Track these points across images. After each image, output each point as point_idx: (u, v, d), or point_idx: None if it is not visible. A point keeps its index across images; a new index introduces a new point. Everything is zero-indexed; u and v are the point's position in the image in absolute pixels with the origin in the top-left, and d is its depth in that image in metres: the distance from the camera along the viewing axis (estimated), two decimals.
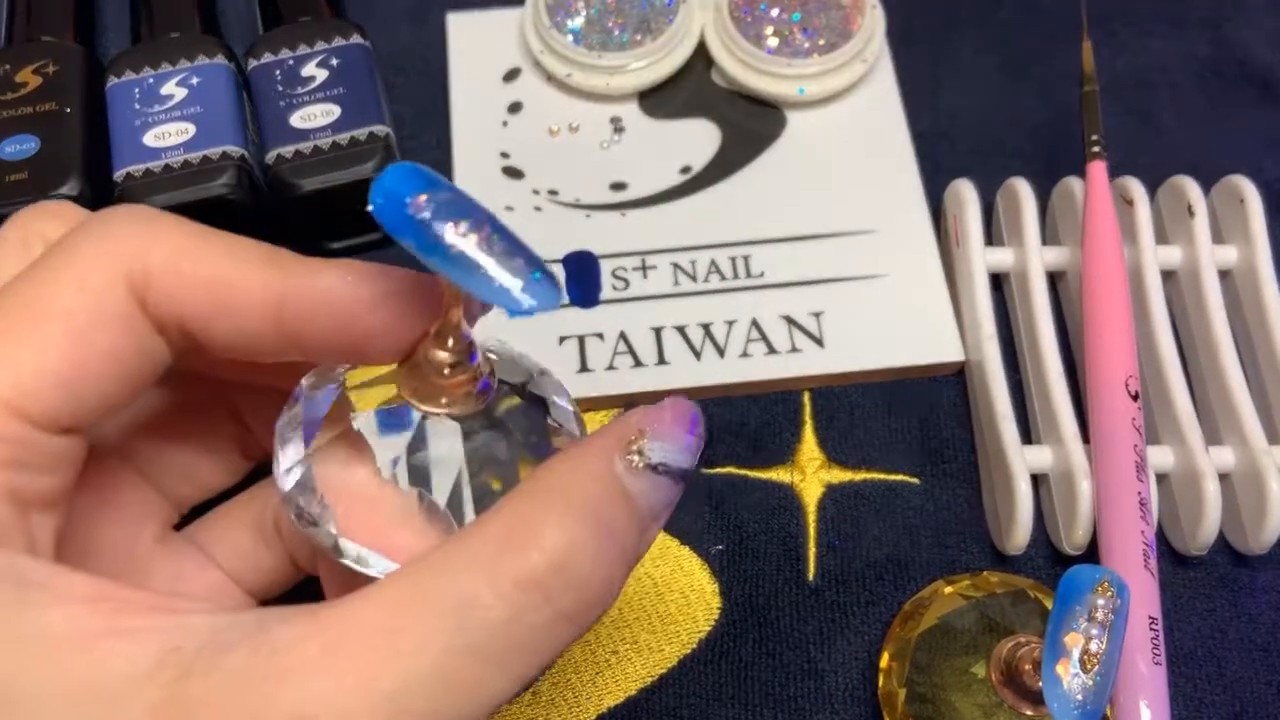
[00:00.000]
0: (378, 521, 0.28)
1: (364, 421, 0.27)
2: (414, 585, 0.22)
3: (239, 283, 0.24)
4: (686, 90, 0.50)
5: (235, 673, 0.21)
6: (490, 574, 0.22)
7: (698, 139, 0.49)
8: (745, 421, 0.43)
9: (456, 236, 0.22)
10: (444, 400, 0.26)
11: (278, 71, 0.45)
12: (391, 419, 0.28)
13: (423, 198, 0.23)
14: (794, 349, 0.44)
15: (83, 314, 0.23)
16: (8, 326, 0.23)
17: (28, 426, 0.23)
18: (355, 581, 0.25)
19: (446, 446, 0.28)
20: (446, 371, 0.25)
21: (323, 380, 0.27)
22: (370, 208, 0.22)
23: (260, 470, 0.32)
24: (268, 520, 0.31)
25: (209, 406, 0.31)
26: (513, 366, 0.29)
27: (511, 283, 0.23)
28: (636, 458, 0.25)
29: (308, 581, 0.32)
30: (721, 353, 0.44)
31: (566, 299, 0.23)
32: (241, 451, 0.32)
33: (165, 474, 0.31)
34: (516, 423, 0.28)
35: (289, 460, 0.26)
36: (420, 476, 0.27)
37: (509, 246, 0.23)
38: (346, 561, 0.26)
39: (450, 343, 0.25)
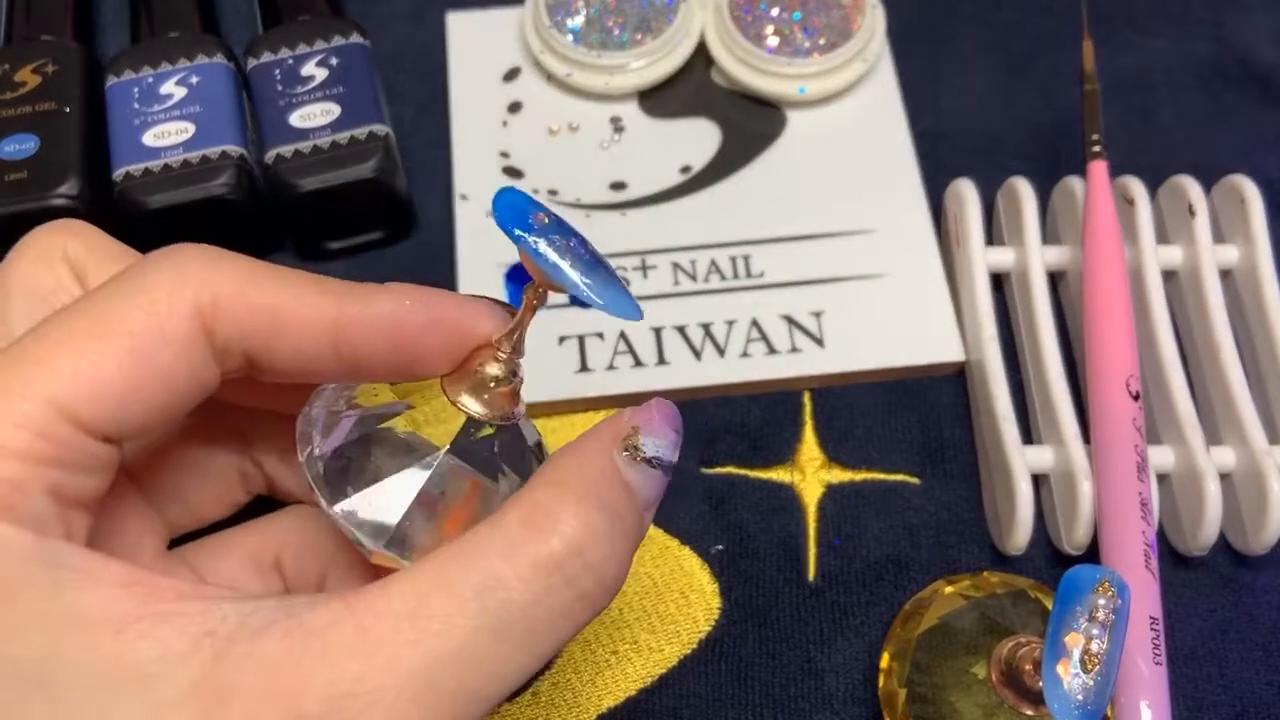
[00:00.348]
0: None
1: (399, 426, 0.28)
2: (440, 571, 0.24)
3: (300, 310, 0.26)
4: (686, 90, 0.50)
5: (270, 655, 0.22)
6: (513, 558, 0.24)
7: (698, 139, 0.49)
8: (745, 421, 0.43)
9: (573, 250, 0.26)
10: (489, 409, 0.28)
11: (277, 71, 0.45)
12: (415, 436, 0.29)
13: (542, 214, 0.26)
14: (794, 349, 0.44)
15: (147, 335, 0.24)
16: (74, 337, 0.24)
17: (77, 431, 0.24)
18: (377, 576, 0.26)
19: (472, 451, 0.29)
20: (493, 384, 0.28)
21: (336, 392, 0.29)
22: (493, 210, 0.25)
23: (256, 507, 0.33)
24: (266, 553, 0.32)
25: (219, 436, 0.32)
26: None
27: (616, 298, 0.26)
28: (633, 451, 0.27)
29: None
30: (721, 352, 0.44)
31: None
32: (243, 485, 0.33)
33: (166, 497, 0.31)
34: (509, 439, 0.30)
35: (330, 443, 0.28)
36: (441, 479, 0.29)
37: (606, 263, 0.26)
38: (382, 550, 0.27)
39: (509, 351, 0.28)
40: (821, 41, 0.49)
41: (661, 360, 0.43)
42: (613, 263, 0.46)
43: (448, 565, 0.24)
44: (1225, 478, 0.40)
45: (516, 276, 0.45)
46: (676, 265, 0.46)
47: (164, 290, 0.25)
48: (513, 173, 0.48)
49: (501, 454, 0.29)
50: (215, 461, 0.32)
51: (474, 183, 0.48)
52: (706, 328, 0.44)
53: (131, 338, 0.24)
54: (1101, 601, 0.30)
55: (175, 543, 0.31)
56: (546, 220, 0.26)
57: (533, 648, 0.24)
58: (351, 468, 0.28)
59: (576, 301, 0.42)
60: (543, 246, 0.25)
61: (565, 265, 0.25)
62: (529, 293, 0.27)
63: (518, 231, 0.25)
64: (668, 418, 0.28)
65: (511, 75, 0.51)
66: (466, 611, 0.23)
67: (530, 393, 0.42)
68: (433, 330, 0.27)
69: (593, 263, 0.26)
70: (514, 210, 0.25)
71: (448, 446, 0.28)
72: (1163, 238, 0.45)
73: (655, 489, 0.28)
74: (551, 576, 0.24)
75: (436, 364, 0.27)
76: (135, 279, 0.25)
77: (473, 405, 0.28)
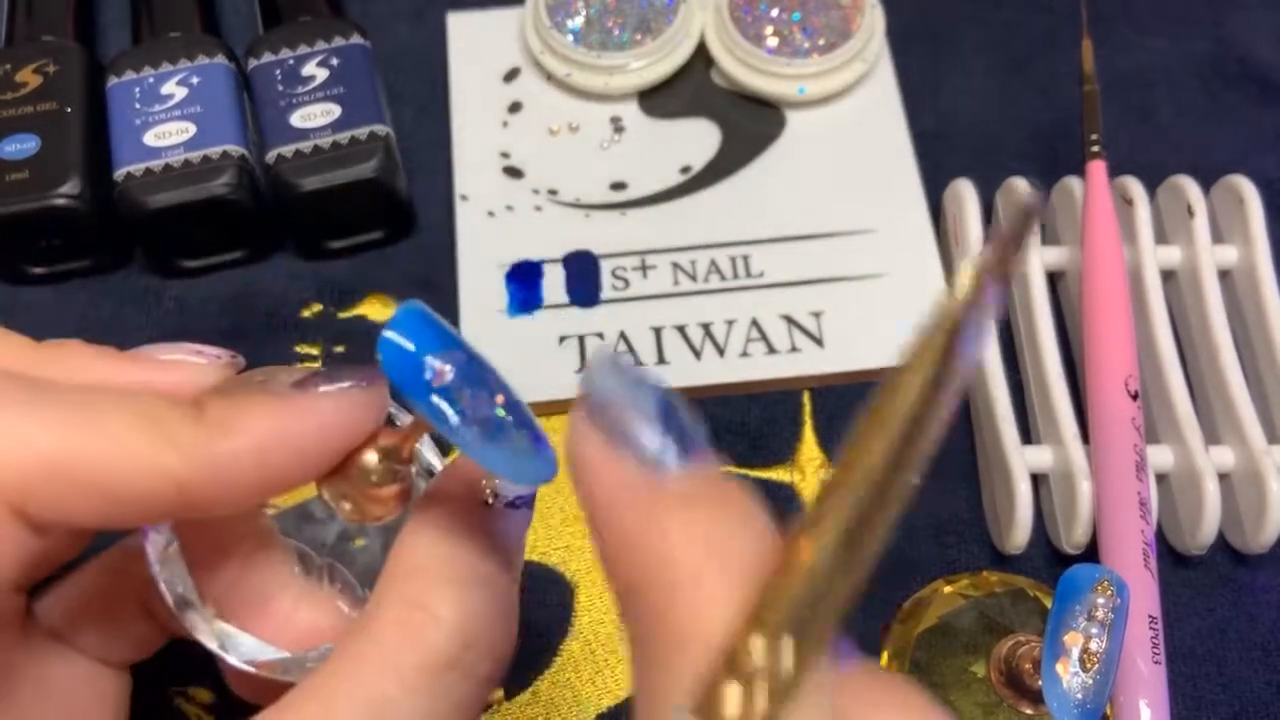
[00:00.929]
0: (270, 603, 0.26)
1: (271, 516, 0.27)
2: (321, 701, 0.21)
3: (132, 479, 0.21)
4: (686, 90, 0.50)
5: None
6: (398, 671, 0.21)
7: (698, 139, 0.49)
8: (745, 421, 0.43)
9: (477, 410, 0.21)
10: (369, 509, 0.24)
11: (278, 71, 0.45)
12: (297, 510, 0.27)
13: (445, 367, 0.21)
14: (794, 349, 0.44)
15: None
16: None
17: None
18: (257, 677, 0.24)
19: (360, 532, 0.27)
20: (375, 480, 0.24)
21: None
22: (380, 361, 0.21)
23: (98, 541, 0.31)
24: (128, 593, 0.29)
25: (126, 586, 0.29)
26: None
27: (523, 463, 0.22)
28: (494, 499, 0.24)
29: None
30: (721, 352, 0.44)
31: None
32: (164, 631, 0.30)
33: (82, 638, 0.29)
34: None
35: (159, 545, 0.25)
36: (337, 555, 0.27)
37: (520, 415, 0.22)
38: (212, 647, 0.25)
39: (391, 459, 0.24)
40: (821, 42, 0.49)
41: (661, 360, 0.44)
42: (613, 263, 0.46)
43: (329, 695, 0.21)
44: (1224, 477, 0.40)
45: (517, 276, 0.45)
46: (676, 265, 0.46)
47: None
48: (513, 173, 0.48)
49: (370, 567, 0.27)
50: (126, 611, 0.29)
51: (474, 183, 0.48)
52: (706, 327, 0.44)
53: None
54: (1101, 601, 0.30)
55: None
56: (448, 375, 0.21)
57: None
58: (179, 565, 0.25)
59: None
60: (440, 408, 0.21)
61: (461, 432, 0.21)
62: (417, 418, 0.23)
63: (414, 399, 0.21)
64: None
65: (512, 75, 0.51)
66: None
67: (530, 393, 0.43)
68: (307, 452, 0.23)
69: (497, 425, 0.21)
70: (405, 369, 0.21)
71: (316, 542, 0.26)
72: (1162, 238, 0.45)
73: (522, 528, 0.24)
74: (446, 676, 0.21)
75: (305, 481, 0.24)
76: None
77: (348, 507, 0.24)
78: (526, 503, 0.24)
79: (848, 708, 0.18)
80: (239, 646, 0.26)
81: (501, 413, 0.21)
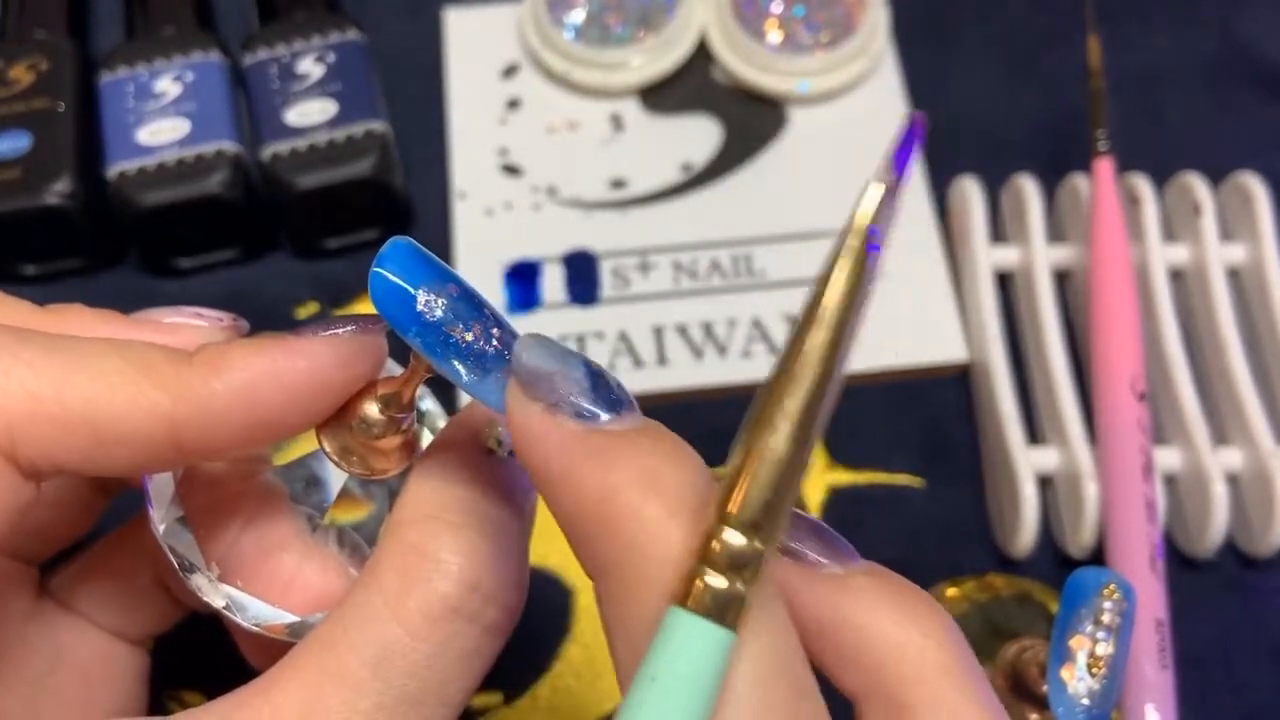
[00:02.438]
0: (274, 564, 0.26)
1: (276, 473, 0.27)
2: (327, 652, 0.21)
3: (124, 417, 0.21)
4: (687, 86, 0.50)
5: None
6: (402, 616, 0.21)
7: (698, 136, 0.48)
8: None
9: (470, 343, 0.22)
10: (372, 462, 0.24)
11: (273, 67, 0.45)
12: (302, 469, 0.27)
13: (435, 299, 0.22)
14: None
15: None
16: None
17: None
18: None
19: (365, 490, 0.27)
20: (377, 432, 0.24)
21: None
22: (371, 298, 0.21)
23: (113, 514, 0.31)
24: (141, 566, 0.30)
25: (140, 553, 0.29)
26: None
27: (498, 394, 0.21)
28: (497, 448, 0.24)
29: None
30: (723, 352, 0.43)
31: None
32: (100, 488, 0.30)
33: (20, 538, 0.28)
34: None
35: (162, 506, 0.25)
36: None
37: (508, 341, 0.22)
38: (219, 606, 0.25)
39: (392, 408, 0.24)
40: (824, 38, 0.48)
41: (662, 360, 0.43)
42: (613, 262, 0.45)
43: (333, 645, 0.21)
44: (1232, 479, 0.40)
45: (516, 275, 0.45)
46: (677, 264, 0.45)
47: None
48: (511, 170, 0.47)
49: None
50: (61, 484, 0.29)
51: (472, 180, 0.47)
52: (708, 327, 0.44)
53: None
54: (1107, 605, 0.29)
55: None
56: (439, 308, 0.22)
57: (450, 698, 0.22)
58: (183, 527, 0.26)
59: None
60: (433, 340, 0.21)
61: (455, 365, 0.21)
62: (415, 360, 0.23)
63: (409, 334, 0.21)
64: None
65: (510, 72, 0.50)
66: (366, 692, 0.21)
67: None
68: (299, 392, 0.23)
69: (492, 358, 0.22)
70: (395, 302, 0.21)
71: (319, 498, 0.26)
72: (1169, 236, 0.45)
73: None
74: (452, 622, 0.21)
75: (302, 426, 0.24)
76: None
77: (350, 461, 0.24)
78: None
79: (844, 605, 0.22)
80: (246, 609, 0.26)
81: (495, 345, 0.21)
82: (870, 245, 0.20)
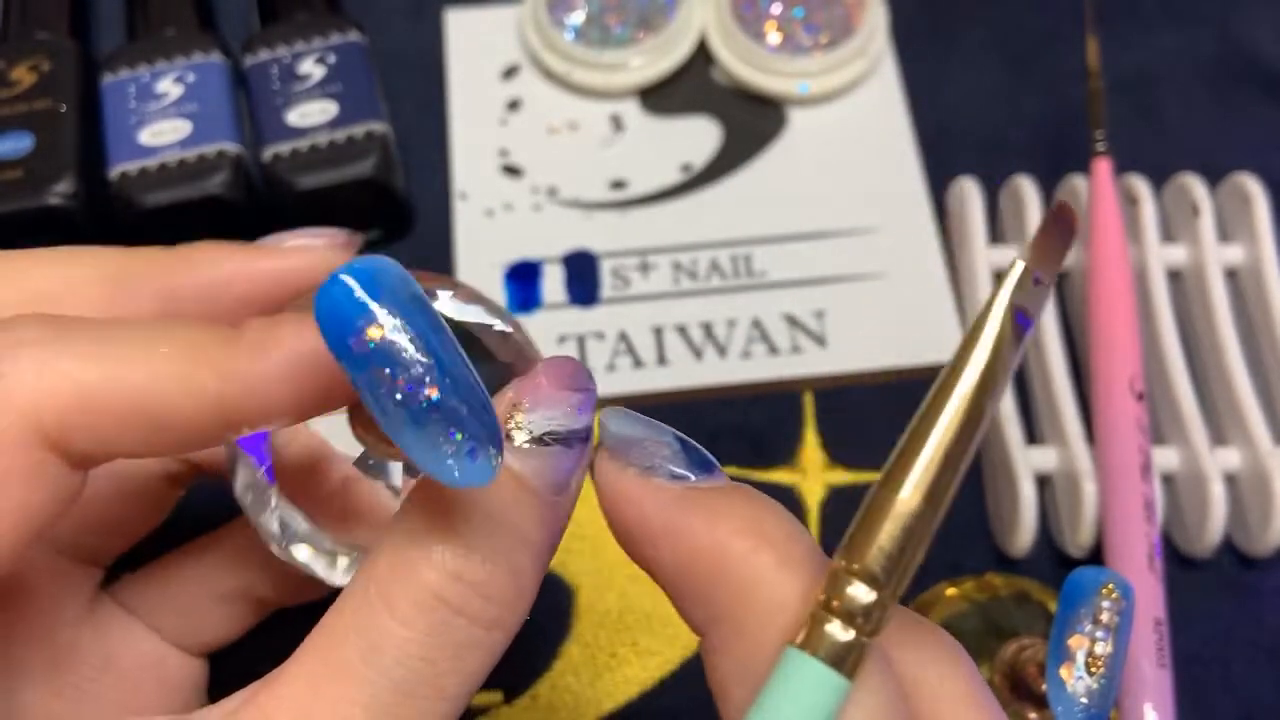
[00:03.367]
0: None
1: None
2: (327, 644, 0.21)
3: (170, 403, 0.22)
4: (687, 87, 0.50)
5: None
6: (391, 605, 0.21)
7: (698, 137, 0.48)
8: (746, 422, 0.43)
9: (396, 394, 0.19)
10: (387, 446, 0.24)
11: (274, 68, 0.45)
12: None
13: (373, 332, 0.19)
14: (796, 349, 0.43)
15: None
16: None
17: None
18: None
19: None
20: None
21: None
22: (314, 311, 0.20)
23: (191, 524, 0.31)
24: (211, 579, 0.30)
25: (127, 465, 0.29)
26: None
27: (442, 464, 0.20)
28: (517, 435, 0.23)
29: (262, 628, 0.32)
30: (723, 352, 0.43)
31: (492, 464, 0.20)
32: (171, 481, 0.30)
33: (82, 537, 0.29)
34: None
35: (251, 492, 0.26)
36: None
37: (455, 406, 0.20)
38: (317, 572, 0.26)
39: None
40: (823, 39, 0.48)
41: (662, 360, 0.43)
42: (613, 262, 0.45)
43: (331, 636, 0.21)
44: (1230, 479, 0.40)
45: (516, 276, 0.45)
46: (677, 264, 0.45)
47: None
48: (512, 171, 0.48)
49: None
50: (131, 476, 0.29)
51: (473, 181, 0.47)
52: (707, 327, 0.44)
53: None
54: (1106, 604, 0.29)
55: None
56: (372, 336, 0.19)
57: (445, 691, 0.22)
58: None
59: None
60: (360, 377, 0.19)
61: (377, 404, 0.20)
62: None
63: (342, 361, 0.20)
64: (561, 378, 0.23)
65: (511, 73, 0.50)
66: (361, 682, 0.21)
67: None
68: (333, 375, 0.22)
69: (422, 410, 0.20)
70: (334, 322, 0.19)
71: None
72: (1167, 237, 0.45)
73: (562, 468, 0.23)
74: (437, 611, 0.21)
75: (347, 398, 0.23)
76: None
77: (376, 445, 0.24)
78: (563, 438, 0.23)
79: (888, 651, 0.21)
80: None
81: (433, 398, 0.20)
82: (1020, 318, 0.20)
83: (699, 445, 0.22)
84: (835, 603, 0.19)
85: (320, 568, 0.27)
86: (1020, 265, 0.20)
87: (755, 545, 0.20)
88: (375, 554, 0.22)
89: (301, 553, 0.27)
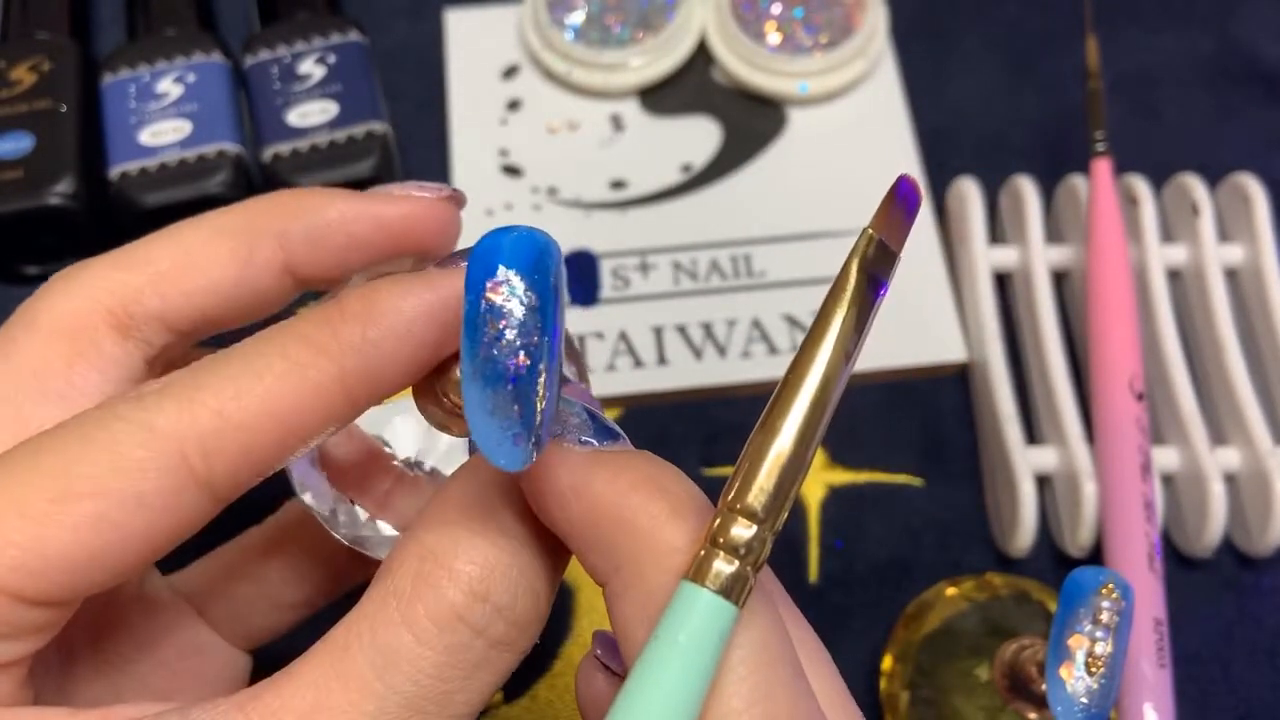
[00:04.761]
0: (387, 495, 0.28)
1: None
2: (338, 652, 0.21)
3: (303, 401, 0.22)
4: (687, 87, 0.50)
5: None
6: (411, 620, 0.21)
7: (698, 137, 0.48)
8: (746, 422, 0.43)
9: (494, 349, 0.21)
10: (451, 423, 0.24)
11: (274, 68, 0.45)
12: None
13: (510, 289, 0.21)
14: (795, 348, 0.43)
15: (116, 498, 0.21)
16: (29, 499, 0.21)
17: (17, 605, 0.21)
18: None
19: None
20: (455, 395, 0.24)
21: None
22: (476, 248, 0.21)
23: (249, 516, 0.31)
24: (265, 573, 0.31)
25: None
26: None
27: (491, 431, 0.21)
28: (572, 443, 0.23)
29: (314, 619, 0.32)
30: (723, 352, 0.43)
31: (521, 451, 0.21)
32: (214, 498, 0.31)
33: (225, 618, 0.31)
34: None
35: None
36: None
37: (532, 388, 0.21)
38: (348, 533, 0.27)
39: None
40: (823, 39, 0.48)
41: (662, 360, 0.43)
42: (613, 262, 0.45)
43: (345, 646, 0.21)
44: (1230, 478, 0.40)
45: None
46: (677, 264, 0.45)
47: (136, 446, 0.21)
48: (512, 171, 0.48)
49: None
50: (253, 591, 0.31)
51: (473, 181, 0.47)
52: (707, 327, 0.44)
53: (95, 501, 0.21)
54: (1105, 604, 0.29)
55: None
56: (507, 295, 0.21)
57: (453, 709, 0.22)
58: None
59: None
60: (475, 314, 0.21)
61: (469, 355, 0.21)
62: None
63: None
64: (574, 394, 0.24)
65: (511, 73, 0.50)
66: (370, 694, 0.21)
67: None
68: (450, 322, 0.23)
69: (500, 378, 0.21)
70: (483, 263, 0.21)
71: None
72: (1167, 237, 0.45)
73: (585, 465, 0.23)
74: (457, 632, 0.21)
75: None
76: (102, 421, 0.22)
77: (438, 422, 0.24)
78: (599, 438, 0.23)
79: (594, 477, 0.22)
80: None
81: (522, 368, 0.21)
82: (875, 281, 0.22)
83: (606, 417, 0.23)
84: (721, 539, 0.20)
85: (384, 553, 0.27)
86: (868, 234, 0.22)
87: (651, 495, 0.21)
88: (398, 561, 0.22)
89: (366, 538, 0.28)
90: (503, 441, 0.20)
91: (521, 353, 0.20)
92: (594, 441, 0.22)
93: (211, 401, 0.22)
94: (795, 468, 0.21)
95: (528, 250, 0.21)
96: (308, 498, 0.28)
